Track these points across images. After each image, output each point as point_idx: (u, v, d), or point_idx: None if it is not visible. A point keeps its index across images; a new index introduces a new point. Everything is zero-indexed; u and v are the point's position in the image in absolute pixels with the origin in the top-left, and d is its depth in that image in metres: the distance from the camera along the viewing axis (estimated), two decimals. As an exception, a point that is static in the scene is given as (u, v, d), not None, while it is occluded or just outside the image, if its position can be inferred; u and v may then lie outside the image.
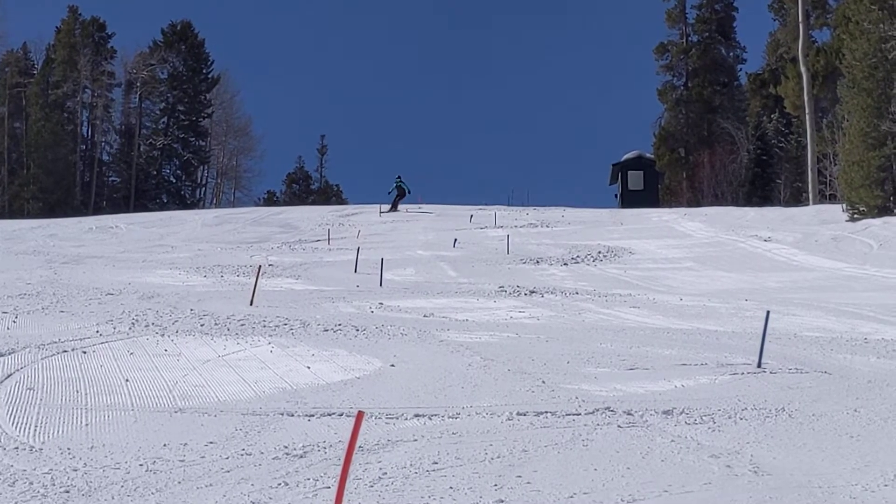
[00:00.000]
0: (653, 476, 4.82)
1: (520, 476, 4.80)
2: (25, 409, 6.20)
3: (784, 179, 49.05)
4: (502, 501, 4.42)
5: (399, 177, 36.80)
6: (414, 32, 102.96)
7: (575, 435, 5.65)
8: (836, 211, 30.44)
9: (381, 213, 34.88)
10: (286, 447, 5.29)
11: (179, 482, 4.68)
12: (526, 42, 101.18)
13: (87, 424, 5.85)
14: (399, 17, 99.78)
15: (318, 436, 5.58)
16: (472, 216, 33.53)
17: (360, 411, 3.96)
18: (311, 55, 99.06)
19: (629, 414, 6.18)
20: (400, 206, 36.18)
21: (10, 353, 8.11)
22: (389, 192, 36.85)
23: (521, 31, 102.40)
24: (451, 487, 4.62)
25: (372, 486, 4.62)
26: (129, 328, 9.99)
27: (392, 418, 6.05)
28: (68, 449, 5.23)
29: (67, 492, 4.50)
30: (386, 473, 4.83)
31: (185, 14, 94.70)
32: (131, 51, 61.44)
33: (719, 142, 50.92)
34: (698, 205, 43.73)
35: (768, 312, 8.37)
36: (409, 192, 36.83)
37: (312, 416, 6.11)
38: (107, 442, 5.40)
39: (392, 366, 7.96)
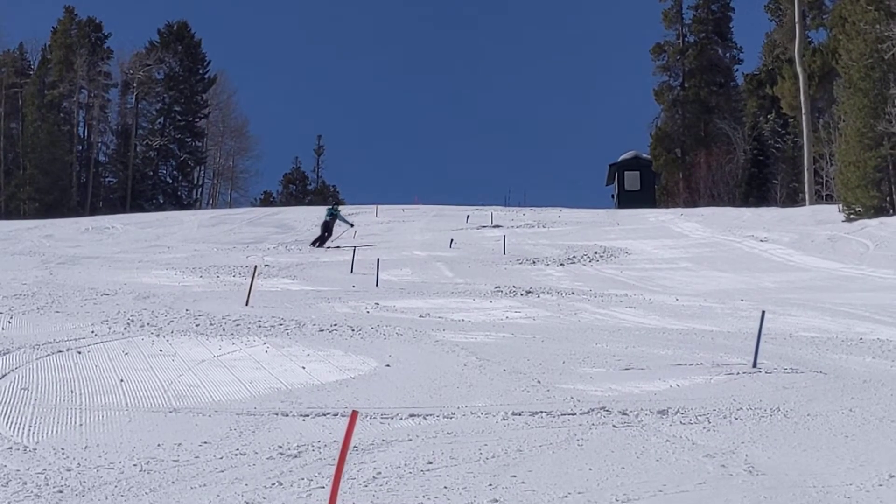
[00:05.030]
0: (648, 476, 4.82)
1: (514, 476, 4.80)
2: (20, 409, 6.18)
3: (780, 180, 49.10)
4: (497, 501, 4.41)
5: (334, 204, 29.21)
6: (412, 32, 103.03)
7: (570, 435, 5.64)
8: (832, 211, 30.47)
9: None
10: (280, 447, 5.28)
11: (173, 482, 4.67)
12: (523, 42, 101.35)
13: (81, 424, 5.84)
14: (397, 16, 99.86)
15: (312, 436, 5.57)
16: (468, 216, 33.58)
17: (354, 411, 3.96)
18: (308, 56, 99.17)
19: (624, 414, 6.17)
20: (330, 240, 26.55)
21: (5, 354, 8.10)
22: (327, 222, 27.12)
23: (518, 30, 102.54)
24: (445, 487, 4.61)
25: (366, 486, 4.61)
26: (125, 328, 9.98)
27: (387, 418, 6.04)
28: (62, 449, 5.22)
29: (61, 492, 4.49)
30: (380, 473, 4.82)
31: (182, 14, 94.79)
32: (128, 51, 61.53)
33: (716, 142, 50.99)
34: (695, 205, 43.78)
35: (763, 312, 8.37)
36: (350, 225, 27.70)
37: (307, 416, 6.10)
38: (101, 442, 5.39)
39: (387, 366, 7.95)
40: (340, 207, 29.17)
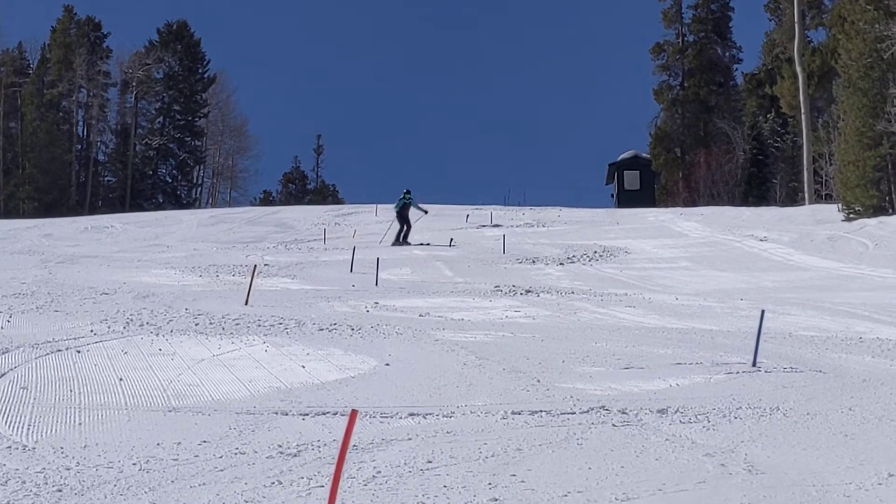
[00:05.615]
0: (647, 475, 4.81)
1: (514, 475, 4.79)
2: (19, 409, 6.17)
3: (780, 179, 49.14)
4: (496, 500, 4.41)
5: (406, 191, 26.00)
6: (412, 32, 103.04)
7: (569, 434, 5.64)
8: (831, 211, 30.48)
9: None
10: (280, 446, 5.28)
11: (173, 481, 4.66)
12: (523, 42, 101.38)
13: (80, 423, 5.83)
14: (397, 16, 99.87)
15: (312, 435, 5.57)
16: (468, 216, 33.59)
17: (353, 410, 3.95)
18: (308, 55, 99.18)
19: (624, 413, 6.17)
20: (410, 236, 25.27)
21: (4, 353, 8.09)
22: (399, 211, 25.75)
23: (518, 30, 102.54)
24: (445, 486, 4.60)
25: (366, 485, 4.60)
26: (124, 327, 9.97)
27: (386, 417, 6.03)
28: (61, 448, 5.21)
29: (60, 491, 4.48)
30: (380, 472, 4.81)
31: (182, 14, 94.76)
32: (127, 50, 61.58)
33: (715, 142, 51.02)
34: (694, 204, 43.80)
35: (763, 311, 8.36)
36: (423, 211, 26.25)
37: (307, 415, 6.10)
38: (100, 441, 5.38)
39: (387, 365, 7.94)
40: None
